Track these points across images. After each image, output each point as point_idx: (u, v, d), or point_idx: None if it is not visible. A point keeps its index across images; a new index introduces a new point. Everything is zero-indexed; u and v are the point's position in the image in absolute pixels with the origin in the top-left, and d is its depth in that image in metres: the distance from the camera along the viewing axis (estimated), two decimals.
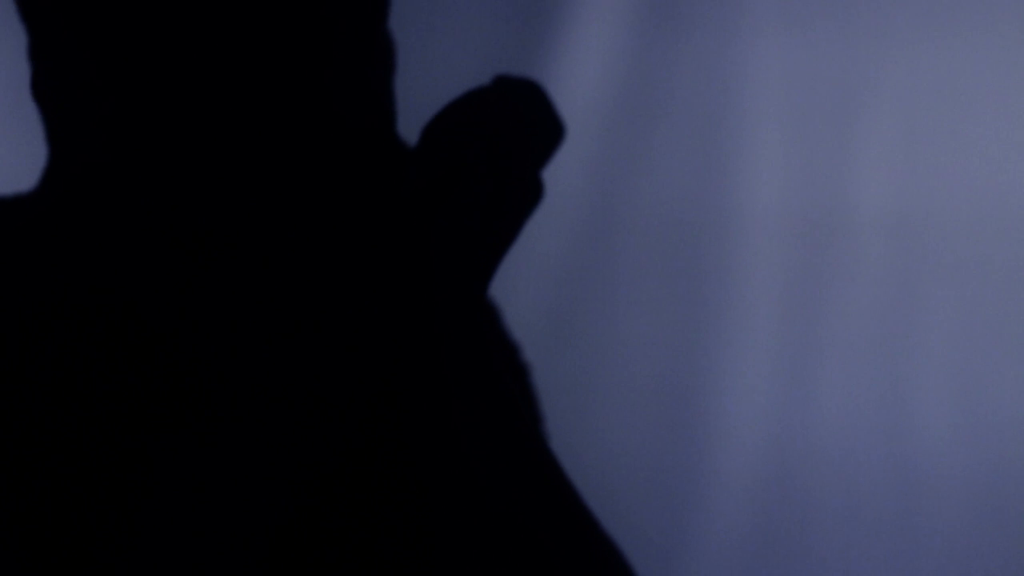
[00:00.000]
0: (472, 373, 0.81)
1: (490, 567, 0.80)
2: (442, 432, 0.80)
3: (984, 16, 1.98)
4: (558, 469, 0.84)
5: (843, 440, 2.02)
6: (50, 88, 0.85)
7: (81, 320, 0.83)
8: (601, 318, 2.02)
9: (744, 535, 2.03)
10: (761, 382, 2.03)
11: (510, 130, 0.84)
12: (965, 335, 2.02)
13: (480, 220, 0.82)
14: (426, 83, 1.91)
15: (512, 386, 0.83)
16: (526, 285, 1.99)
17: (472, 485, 0.80)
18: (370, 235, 0.82)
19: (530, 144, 0.85)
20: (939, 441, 2.01)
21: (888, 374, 2.02)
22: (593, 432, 2.01)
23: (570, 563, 0.82)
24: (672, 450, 2.03)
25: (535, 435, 0.83)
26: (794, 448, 2.03)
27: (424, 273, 0.80)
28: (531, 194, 0.84)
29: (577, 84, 1.98)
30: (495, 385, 0.81)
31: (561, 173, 1.89)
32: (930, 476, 2.01)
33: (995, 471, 2.01)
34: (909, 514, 2.02)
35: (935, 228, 2.01)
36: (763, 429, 2.03)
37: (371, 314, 0.81)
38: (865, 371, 2.03)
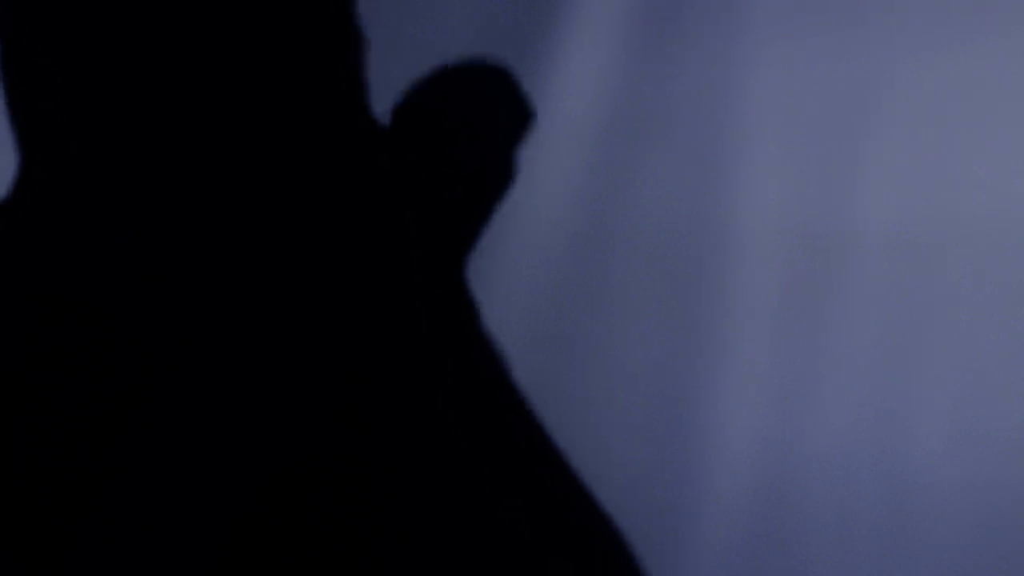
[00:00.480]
0: (455, 350, 0.81)
1: (486, 547, 0.80)
2: (427, 406, 0.80)
3: (992, 30, 1.97)
4: (546, 442, 0.85)
5: (839, 456, 2.02)
6: (18, 93, 0.84)
7: (61, 318, 0.82)
8: (596, 331, 2.02)
9: (737, 549, 2.02)
10: (757, 397, 2.02)
11: (480, 108, 0.85)
12: (965, 352, 2.01)
13: (453, 195, 0.82)
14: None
15: (497, 357, 0.83)
16: (520, 297, 1.98)
17: (458, 459, 0.80)
18: (346, 213, 0.82)
19: (500, 123, 0.86)
20: (937, 458, 2.01)
21: (887, 391, 2.01)
22: (585, 444, 2.01)
23: (567, 540, 0.82)
24: (665, 464, 2.02)
25: (520, 405, 0.83)
26: (789, 464, 2.02)
27: (401, 248, 0.80)
28: (503, 173, 0.85)
29: (574, 93, 1.98)
30: (481, 359, 0.82)
31: (557, 184, 1.89)
32: (927, 493, 2.01)
33: (993, 488, 2.01)
34: (904, 531, 2.02)
35: (937, 244, 2.01)
36: (758, 444, 2.02)
37: (350, 293, 0.81)
38: (863, 387, 2.02)
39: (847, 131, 2.00)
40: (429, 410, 0.80)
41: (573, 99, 1.98)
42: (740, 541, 2.03)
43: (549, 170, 1.87)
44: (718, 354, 2.03)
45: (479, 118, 0.85)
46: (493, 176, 0.85)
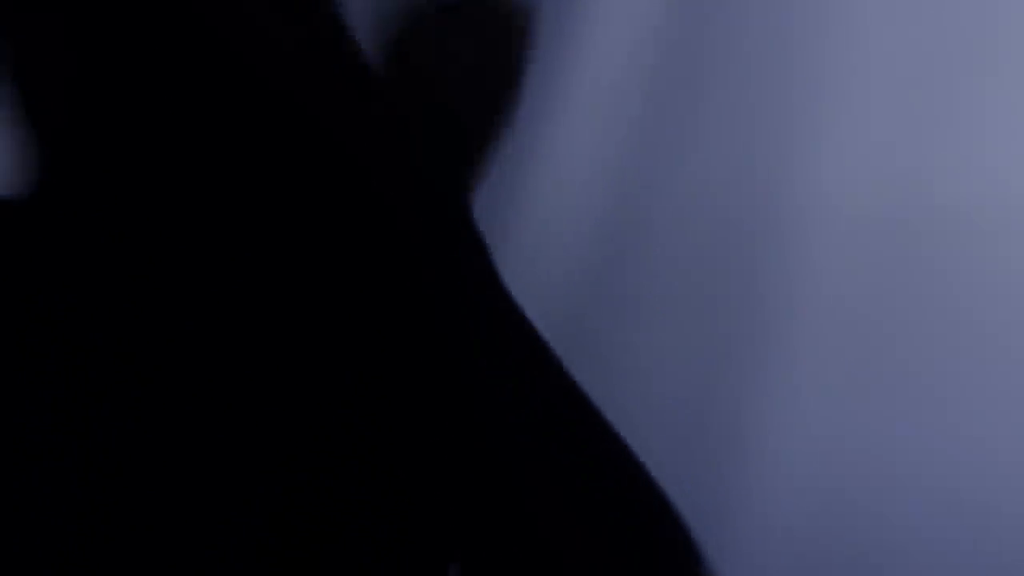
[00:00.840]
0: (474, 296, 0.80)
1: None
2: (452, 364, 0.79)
3: None
4: (576, 391, 0.85)
5: (902, 468, 1.96)
6: (18, 92, 0.85)
7: (68, 322, 0.83)
8: (637, 326, 1.97)
9: (781, 556, 1.97)
10: (812, 402, 1.96)
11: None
12: None
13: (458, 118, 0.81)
14: None
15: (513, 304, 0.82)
16: (557, 291, 1.94)
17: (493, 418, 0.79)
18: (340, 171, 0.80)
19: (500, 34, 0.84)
20: (1008, 474, 1.94)
21: (957, 396, 1.95)
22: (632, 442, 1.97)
23: (601, 485, 0.82)
24: (710, 471, 1.98)
25: (544, 349, 0.82)
26: (846, 480, 1.96)
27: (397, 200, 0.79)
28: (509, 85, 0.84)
29: (612, 62, 1.91)
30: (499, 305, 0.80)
31: (594, 163, 1.85)
32: (994, 511, 1.95)
33: None
34: (963, 546, 1.96)
35: (1013, 228, 1.94)
36: (814, 457, 1.97)
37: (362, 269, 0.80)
38: (929, 392, 1.96)
39: (919, 100, 1.93)
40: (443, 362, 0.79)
41: (609, 65, 1.92)
42: (786, 547, 1.98)
43: (590, 146, 1.83)
44: (769, 353, 1.97)
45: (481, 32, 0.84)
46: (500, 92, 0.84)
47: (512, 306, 0.82)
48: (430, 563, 0.84)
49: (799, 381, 1.96)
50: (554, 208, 1.89)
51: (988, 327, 1.92)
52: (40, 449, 0.82)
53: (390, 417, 0.80)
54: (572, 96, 1.80)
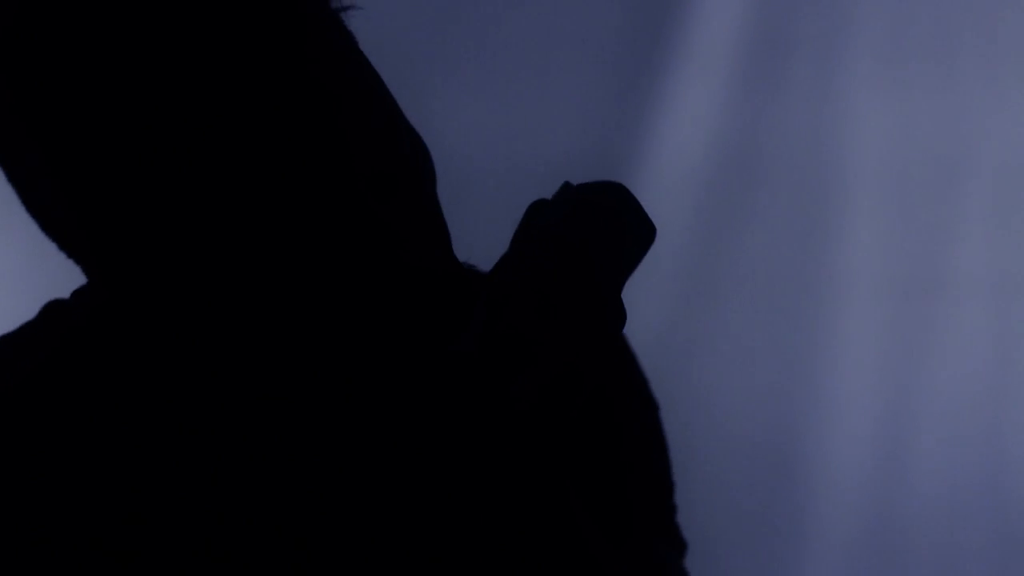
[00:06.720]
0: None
1: None
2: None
3: None
4: None
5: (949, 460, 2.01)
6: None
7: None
8: (699, 383, 2.02)
9: (843, 550, 2.02)
10: (856, 451, 2.02)
11: (596, 246, 0.78)
12: None
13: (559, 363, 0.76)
14: (525, 147, 1.93)
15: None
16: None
17: None
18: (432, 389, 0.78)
19: (615, 259, 0.80)
20: None
21: (989, 438, 2.00)
22: (702, 439, 1.99)
23: None
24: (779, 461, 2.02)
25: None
26: (902, 502, 2.02)
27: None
28: (615, 318, 0.79)
29: (674, 147, 1.98)
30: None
31: (659, 237, 1.89)
32: None
33: None
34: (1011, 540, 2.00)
35: None
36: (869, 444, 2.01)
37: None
38: (963, 443, 2.01)
39: (948, 177, 1.99)
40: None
41: (671, 150, 1.98)
42: (846, 542, 2.02)
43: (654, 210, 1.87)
44: (822, 400, 2.02)
45: (597, 254, 0.78)
46: (606, 320, 0.79)
47: None
48: None
49: None
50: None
51: None
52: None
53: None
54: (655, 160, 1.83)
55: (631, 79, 1.97)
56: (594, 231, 0.79)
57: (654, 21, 1.97)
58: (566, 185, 0.81)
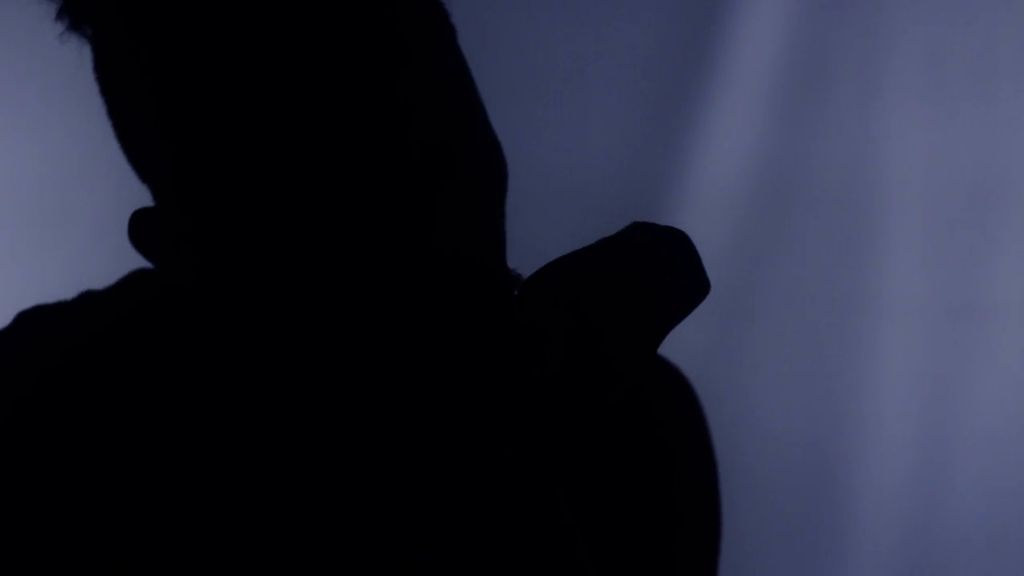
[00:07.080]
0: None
1: None
2: None
3: None
4: None
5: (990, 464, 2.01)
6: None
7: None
8: (740, 405, 2.02)
9: (881, 553, 2.01)
10: (898, 473, 2.02)
11: (649, 292, 0.78)
12: None
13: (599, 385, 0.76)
14: (562, 177, 1.94)
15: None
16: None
17: None
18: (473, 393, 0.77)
19: (668, 307, 0.79)
20: None
21: None
22: (737, 440, 1.99)
23: None
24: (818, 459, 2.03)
25: None
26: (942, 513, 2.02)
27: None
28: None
29: (715, 171, 1.99)
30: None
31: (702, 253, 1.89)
32: None
33: None
34: None
35: None
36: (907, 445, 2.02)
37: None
38: (1004, 463, 2.01)
39: (991, 196, 2.00)
40: None
41: (710, 168, 1.99)
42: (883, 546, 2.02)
43: (695, 233, 1.87)
44: (861, 419, 2.03)
45: (649, 299, 0.78)
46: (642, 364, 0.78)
47: None
48: None
49: None
50: None
51: None
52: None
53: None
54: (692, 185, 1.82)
55: (672, 105, 1.98)
56: (657, 271, 0.78)
57: (695, 46, 1.98)
58: (634, 225, 0.80)
